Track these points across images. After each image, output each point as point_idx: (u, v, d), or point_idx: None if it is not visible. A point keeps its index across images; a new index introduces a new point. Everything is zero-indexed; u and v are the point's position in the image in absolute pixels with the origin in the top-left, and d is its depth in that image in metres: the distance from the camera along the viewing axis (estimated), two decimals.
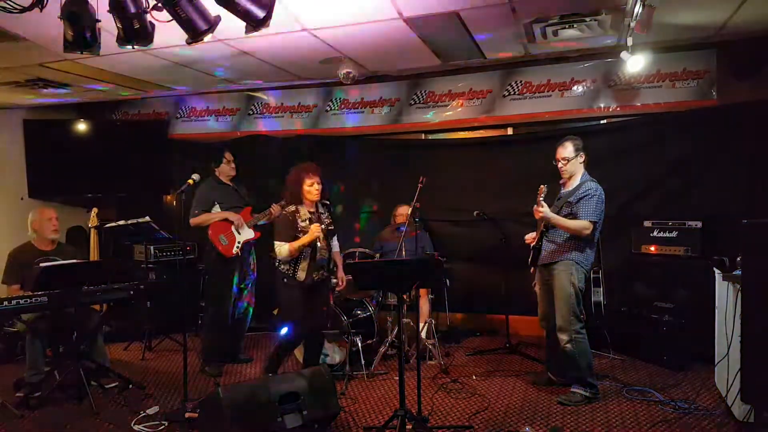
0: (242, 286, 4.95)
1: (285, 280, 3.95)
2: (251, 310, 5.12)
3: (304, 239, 3.87)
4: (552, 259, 3.97)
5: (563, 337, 3.87)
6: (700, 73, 5.21)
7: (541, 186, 3.85)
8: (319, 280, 4.05)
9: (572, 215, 3.87)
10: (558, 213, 3.92)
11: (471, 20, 4.02)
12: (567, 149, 3.96)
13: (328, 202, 4.23)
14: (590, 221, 3.81)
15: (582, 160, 3.98)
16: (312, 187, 3.97)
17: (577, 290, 3.87)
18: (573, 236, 3.88)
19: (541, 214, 3.84)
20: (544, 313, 4.11)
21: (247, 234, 4.85)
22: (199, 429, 3.53)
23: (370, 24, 4.00)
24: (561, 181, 4.11)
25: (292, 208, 3.99)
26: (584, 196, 3.85)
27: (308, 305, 4.00)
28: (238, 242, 4.77)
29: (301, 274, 3.93)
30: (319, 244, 3.94)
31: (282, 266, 3.96)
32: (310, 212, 4.02)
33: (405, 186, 4.88)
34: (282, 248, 3.88)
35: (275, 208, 4.64)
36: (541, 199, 3.81)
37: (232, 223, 4.77)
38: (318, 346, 4.28)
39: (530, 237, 4.16)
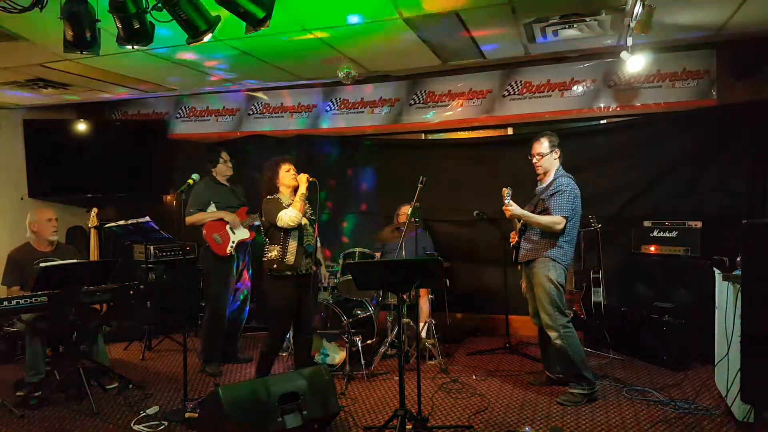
0: (237, 285, 4.96)
1: (275, 266, 3.85)
2: (247, 309, 5.12)
3: (301, 190, 3.90)
4: (529, 258, 4.02)
5: (552, 333, 3.91)
6: (700, 73, 5.21)
7: (504, 189, 3.94)
8: (308, 273, 3.99)
9: (545, 211, 3.93)
10: (534, 209, 3.98)
11: (471, 20, 4.02)
12: (542, 145, 4.02)
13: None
14: (562, 216, 3.86)
15: (557, 156, 4.03)
16: (288, 173, 3.99)
17: (556, 285, 3.89)
18: (547, 233, 3.92)
19: (510, 212, 3.91)
20: (534, 310, 4.13)
21: (242, 234, 4.85)
22: (199, 429, 3.54)
23: (370, 24, 4.00)
24: (538, 177, 4.17)
25: (273, 196, 3.99)
26: (556, 192, 3.91)
27: (297, 302, 3.94)
28: (233, 242, 4.78)
29: (291, 258, 3.86)
30: (303, 226, 3.92)
31: (270, 254, 3.90)
32: (291, 200, 4.00)
33: (405, 186, 4.88)
34: (286, 213, 3.82)
35: None
36: (506, 201, 3.89)
37: (227, 222, 4.78)
38: (306, 349, 4.15)
39: (513, 236, 4.23)
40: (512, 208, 3.90)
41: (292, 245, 3.88)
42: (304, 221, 3.96)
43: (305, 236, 3.96)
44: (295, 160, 4.09)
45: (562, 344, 3.86)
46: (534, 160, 4.06)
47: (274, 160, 4.07)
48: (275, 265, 3.87)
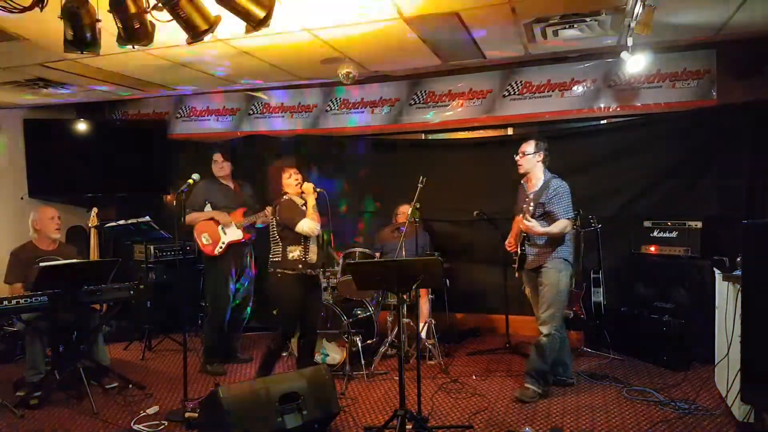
0: (238, 285, 4.96)
1: (300, 266, 4.00)
2: (249, 309, 5.12)
3: (311, 202, 4.06)
4: (541, 263, 4.02)
5: (543, 329, 3.94)
6: (700, 73, 5.21)
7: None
8: (313, 276, 4.18)
9: (547, 214, 3.95)
10: (533, 214, 3.97)
11: (471, 20, 4.02)
12: (530, 145, 4.09)
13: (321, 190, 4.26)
14: (569, 218, 3.91)
15: (539, 159, 4.06)
16: (291, 179, 4.15)
17: (565, 287, 3.95)
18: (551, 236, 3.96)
19: (527, 227, 3.90)
20: (539, 314, 4.12)
21: (234, 235, 4.84)
22: (199, 429, 3.54)
23: (370, 24, 4.00)
24: (522, 179, 4.20)
25: (286, 197, 4.13)
26: (555, 195, 3.94)
27: (305, 302, 4.08)
28: (222, 242, 4.79)
29: (313, 257, 4.08)
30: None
31: (292, 254, 4.03)
32: (301, 200, 4.17)
33: (405, 186, 4.88)
34: (308, 224, 3.99)
35: (270, 210, 4.65)
36: (528, 215, 3.92)
37: (218, 222, 4.79)
38: (310, 348, 4.31)
39: (510, 244, 4.24)
40: (531, 224, 3.85)
41: (313, 247, 4.10)
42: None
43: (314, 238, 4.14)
44: (295, 163, 4.17)
45: (548, 342, 3.92)
46: (517, 158, 4.11)
47: (277, 165, 4.23)
48: (300, 265, 4.01)
